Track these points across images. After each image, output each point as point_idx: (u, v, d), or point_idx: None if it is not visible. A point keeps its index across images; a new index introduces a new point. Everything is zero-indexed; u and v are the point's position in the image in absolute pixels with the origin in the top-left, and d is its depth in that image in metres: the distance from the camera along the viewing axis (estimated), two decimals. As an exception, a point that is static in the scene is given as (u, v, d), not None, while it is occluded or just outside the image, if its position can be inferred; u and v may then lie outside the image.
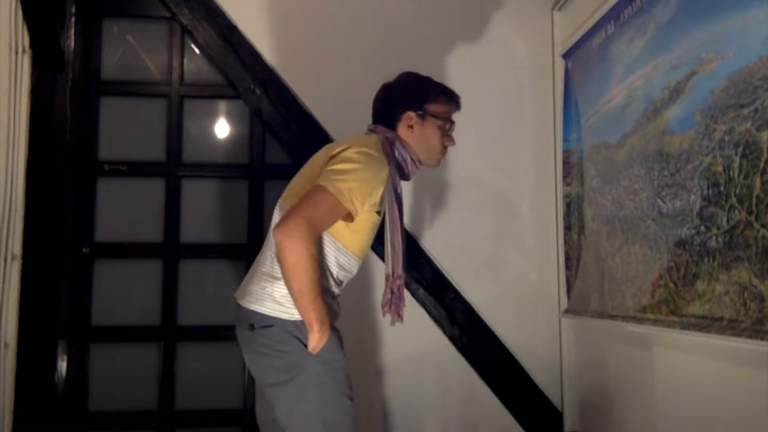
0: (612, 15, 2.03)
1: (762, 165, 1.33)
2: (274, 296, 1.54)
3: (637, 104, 1.86)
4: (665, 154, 1.69)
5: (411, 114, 1.70)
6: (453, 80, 2.50)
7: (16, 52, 2.30)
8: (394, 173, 1.64)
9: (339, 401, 1.55)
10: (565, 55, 2.43)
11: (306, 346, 1.50)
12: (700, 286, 1.53)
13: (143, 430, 2.46)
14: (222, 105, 2.60)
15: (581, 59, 2.30)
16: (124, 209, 2.52)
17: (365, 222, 1.60)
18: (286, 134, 2.47)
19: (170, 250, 2.49)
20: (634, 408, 1.99)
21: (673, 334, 1.69)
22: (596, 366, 2.28)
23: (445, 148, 1.76)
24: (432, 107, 1.71)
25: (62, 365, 2.36)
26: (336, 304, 1.66)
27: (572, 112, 2.39)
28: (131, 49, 2.55)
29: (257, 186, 2.53)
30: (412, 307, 2.41)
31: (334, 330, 1.58)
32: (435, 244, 2.45)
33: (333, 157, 1.58)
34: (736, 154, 1.41)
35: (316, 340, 1.49)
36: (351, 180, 1.51)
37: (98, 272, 2.47)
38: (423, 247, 2.44)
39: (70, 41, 2.41)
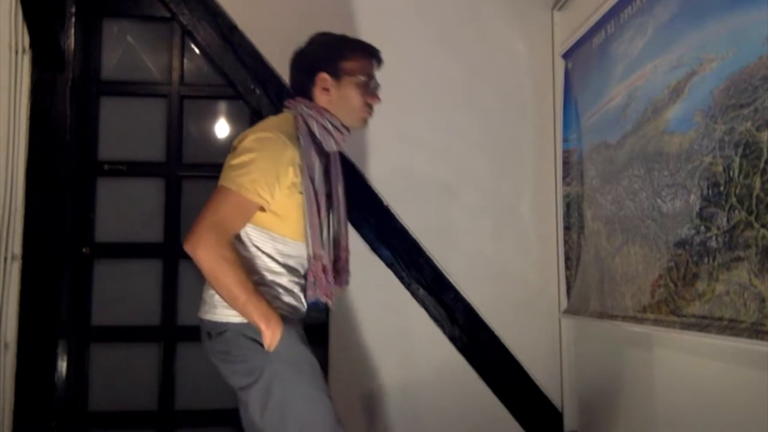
0: (612, 15, 2.03)
1: (762, 165, 1.33)
2: (223, 302, 1.51)
3: (637, 104, 1.86)
4: (665, 154, 1.69)
5: (324, 75, 1.61)
6: (453, 80, 2.52)
7: (16, 52, 2.30)
8: (308, 149, 1.55)
9: (309, 396, 1.51)
10: (565, 55, 2.43)
11: (262, 345, 1.48)
12: (700, 286, 1.53)
13: (143, 430, 2.46)
14: (222, 105, 2.60)
15: (581, 59, 2.30)
16: (124, 209, 2.52)
17: (289, 206, 1.54)
18: (286, 134, 2.47)
19: (170, 250, 2.49)
20: (634, 408, 1.99)
21: (673, 334, 1.69)
22: (596, 366, 2.28)
23: (369, 107, 1.65)
24: (346, 65, 1.61)
25: (62, 365, 2.36)
26: (293, 296, 1.60)
27: (572, 112, 2.39)
28: (131, 49, 2.55)
29: (257, 186, 2.53)
30: (412, 307, 2.42)
31: (290, 324, 1.53)
32: (435, 244, 2.45)
33: (234, 149, 1.53)
34: (736, 154, 1.41)
35: (268, 338, 1.46)
36: (251, 171, 1.46)
37: (98, 272, 2.47)
38: (423, 247, 2.44)
39: (70, 41, 2.40)
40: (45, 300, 2.30)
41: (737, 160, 1.41)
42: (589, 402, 2.33)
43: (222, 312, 1.53)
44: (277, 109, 2.46)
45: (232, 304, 1.47)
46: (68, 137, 2.37)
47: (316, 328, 2.49)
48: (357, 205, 2.42)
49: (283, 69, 2.44)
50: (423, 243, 2.45)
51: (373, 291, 2.42)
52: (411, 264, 2.42)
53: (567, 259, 2.41)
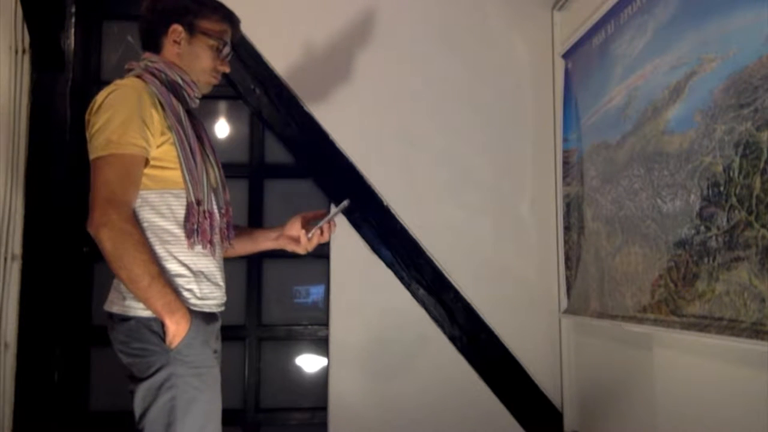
0: (612, 15, 2.03)
1: (762, 165, 1.33)
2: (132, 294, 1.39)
3: (637, 104, 1.86)
4: (665, 154, 1.69)
5: (178, 27, 1.52)
6: (453, 80, 2.52)
7: (16, 52, 2.30)
8: (167, 94, 1.45)
9: (203, 410, 1.37)
10: (565, 55, 2.43)
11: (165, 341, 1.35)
12: (700, 286, 1.53)
13: (143, 430, 2.46)
14: (222, 105, 2.60)
15: (581, 59, 2.30)
16: (124, 209, 2.51)
17: (172, 152, 1.43)
18: (286, 134, 2.47)
19: (170, 250, 2.49)
20: (634, 408, 1.99)
21: (673, 334, 1.69)
22: (596, 366, 2.28)
23: (217, 72, 1.58)
24: (202, 23, 1.53)
25: (62, 365, 2.36)
26: (209, 276, 1.46)
27: (572, 112, 2.39)
28: (131, 49, 2.55)
29: (257, 185, 2.53)
30: (412, 307, 2.42)
31: (201, 323, 1.40)
32: (435, 244, 2.45)
33: (88, 124, 1.42)
34: (736, 154, 1.41)
35: (171, 331, 1.33)
36: (114, 128, 1.35)
37: (98, 272, 2.47)
38: (423, 247, 2.44)
39: (70, 41, 2.41)
40: (45, 300, 2.30)
41: (737, 160, 1.41)
42: (589, 402, 2.33)
43: (130, 304, 1.40)
44: (277, 109, 2.47)
45: (132, 287, 1.34)
46: (68, 137, 2.37)
47: (316, 328, 2.51)
48: (357, 205, 2.42)
49: (283, 69, 2.46)
50: (423, 243, 2.45)
51: (373, 291, 2.42)
52: (411, 264, 2.42)
53: (567, 259, 2.41)
